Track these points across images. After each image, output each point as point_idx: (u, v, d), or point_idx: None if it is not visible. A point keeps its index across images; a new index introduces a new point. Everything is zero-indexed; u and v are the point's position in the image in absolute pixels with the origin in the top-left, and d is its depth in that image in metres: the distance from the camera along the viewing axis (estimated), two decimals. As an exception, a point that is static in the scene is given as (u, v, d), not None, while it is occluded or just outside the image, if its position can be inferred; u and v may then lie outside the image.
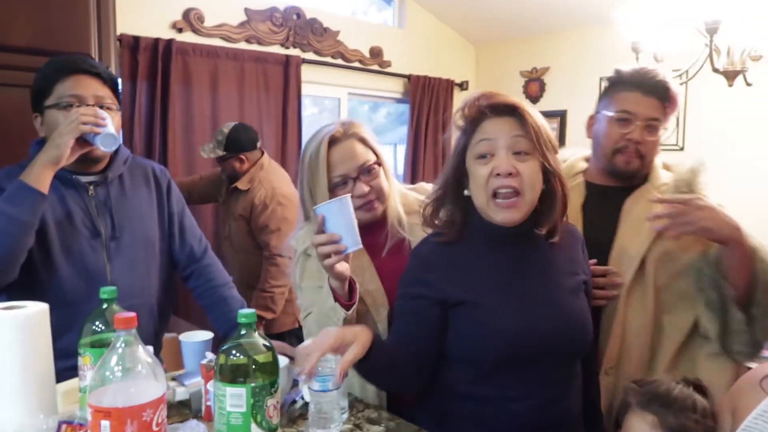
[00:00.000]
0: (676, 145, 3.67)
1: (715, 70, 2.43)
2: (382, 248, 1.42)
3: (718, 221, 1.30)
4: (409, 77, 4.25)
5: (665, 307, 1.43)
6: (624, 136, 1.44)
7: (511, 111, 1.15)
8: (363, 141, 1.40)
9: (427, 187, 1.57)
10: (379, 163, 1.41)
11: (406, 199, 1.49)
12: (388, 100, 4.44)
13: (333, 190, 1.37)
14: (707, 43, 2.39)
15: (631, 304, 1.42)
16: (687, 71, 2.53)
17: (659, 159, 1.54)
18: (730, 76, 2.48)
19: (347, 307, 1.27)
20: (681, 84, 2.63)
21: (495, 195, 1.15)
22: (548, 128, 1.18)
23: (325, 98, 4.11)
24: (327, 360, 1.16)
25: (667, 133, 1.57)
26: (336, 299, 1.26)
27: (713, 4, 2.25)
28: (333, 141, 1.37)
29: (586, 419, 1.30)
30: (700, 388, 1.18)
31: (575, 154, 1.64)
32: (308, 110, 4.16)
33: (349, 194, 1.29)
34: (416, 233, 1.41)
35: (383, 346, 1.13)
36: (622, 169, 1.47)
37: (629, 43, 2.63)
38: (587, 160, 1.61)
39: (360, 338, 1.05)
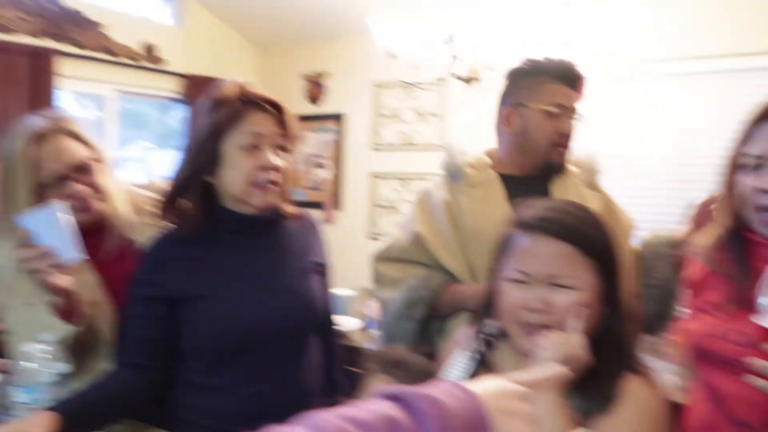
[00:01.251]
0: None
1: (456, 76, 2.76)
2: (104, 252, 1.34)
3: None
4: (188, 77, 4.10)
5: None
6: (558, 129, 1.45)
7: (275, 107, 1.22)
8: (75, 136, 1.31)
9: (162, 183, 1.52)
10: (98, 159, 1.34)
11: (135, 198, 1.43)
12: (164, 99, 4.22)
13: (41, 193, 1.25)
14: (450, 51, 2.71)
15: None
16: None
17: None
18: (469, 81, 2.83)
19: (74, 323, 1.19)
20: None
21: (255, 184, 1.18)
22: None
23: (105, 97, 3.75)
24: (31, 370, 1.08)
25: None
26: (60, 316, 1.17)
27: (447, 17, 2.56)
28: (38, 137, 1.26)
29: (328, 394, 1.34)
30: (431, 355, 1.31)
31: (477, 150, 1.61)
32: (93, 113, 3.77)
33: (59, 199, 1.19)
34: (147, 234, 1.36)
35: (80, 407, 1.09)
36: (557, 162, 1.48)
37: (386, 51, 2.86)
38: (489, 154, 1.58)
39: (39, 427, 0.98)
